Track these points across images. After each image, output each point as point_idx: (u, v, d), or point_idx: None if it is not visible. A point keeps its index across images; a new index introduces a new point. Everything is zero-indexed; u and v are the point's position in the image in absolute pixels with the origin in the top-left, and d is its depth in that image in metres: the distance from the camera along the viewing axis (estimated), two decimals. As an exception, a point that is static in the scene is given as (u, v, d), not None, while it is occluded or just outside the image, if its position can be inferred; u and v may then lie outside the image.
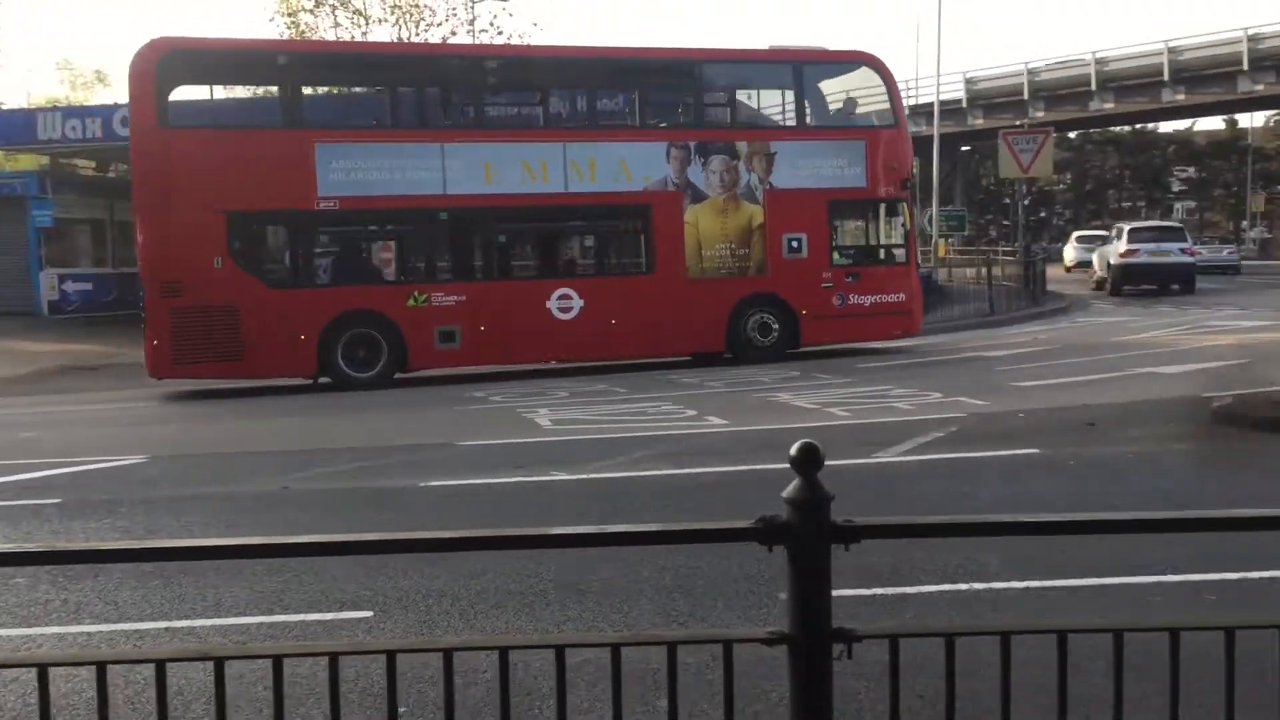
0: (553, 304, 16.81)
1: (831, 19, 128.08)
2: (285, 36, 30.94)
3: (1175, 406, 11.32)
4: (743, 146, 17.61)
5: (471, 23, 33.17)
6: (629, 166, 17.07)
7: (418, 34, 32.45)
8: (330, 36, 31.82)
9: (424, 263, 17.16)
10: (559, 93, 18.24)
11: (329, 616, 5.58)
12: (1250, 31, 41.05)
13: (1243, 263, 45.93)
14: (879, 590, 5.67)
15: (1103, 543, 6.25)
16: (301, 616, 5.58)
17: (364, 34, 32.26)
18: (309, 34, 31.89)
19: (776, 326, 17.71)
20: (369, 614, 5.59)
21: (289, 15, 32.53)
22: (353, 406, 14.43)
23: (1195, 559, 5.92)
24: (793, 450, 2.50)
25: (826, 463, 8.30)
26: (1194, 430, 10.11)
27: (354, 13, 32.64)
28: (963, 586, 5.81)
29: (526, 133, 17.62)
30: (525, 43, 30.15)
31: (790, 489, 2.49)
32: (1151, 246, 31.35)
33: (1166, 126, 68.75)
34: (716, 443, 10.34)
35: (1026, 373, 14.79)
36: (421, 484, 8.80)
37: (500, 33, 33.07)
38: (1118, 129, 66.04)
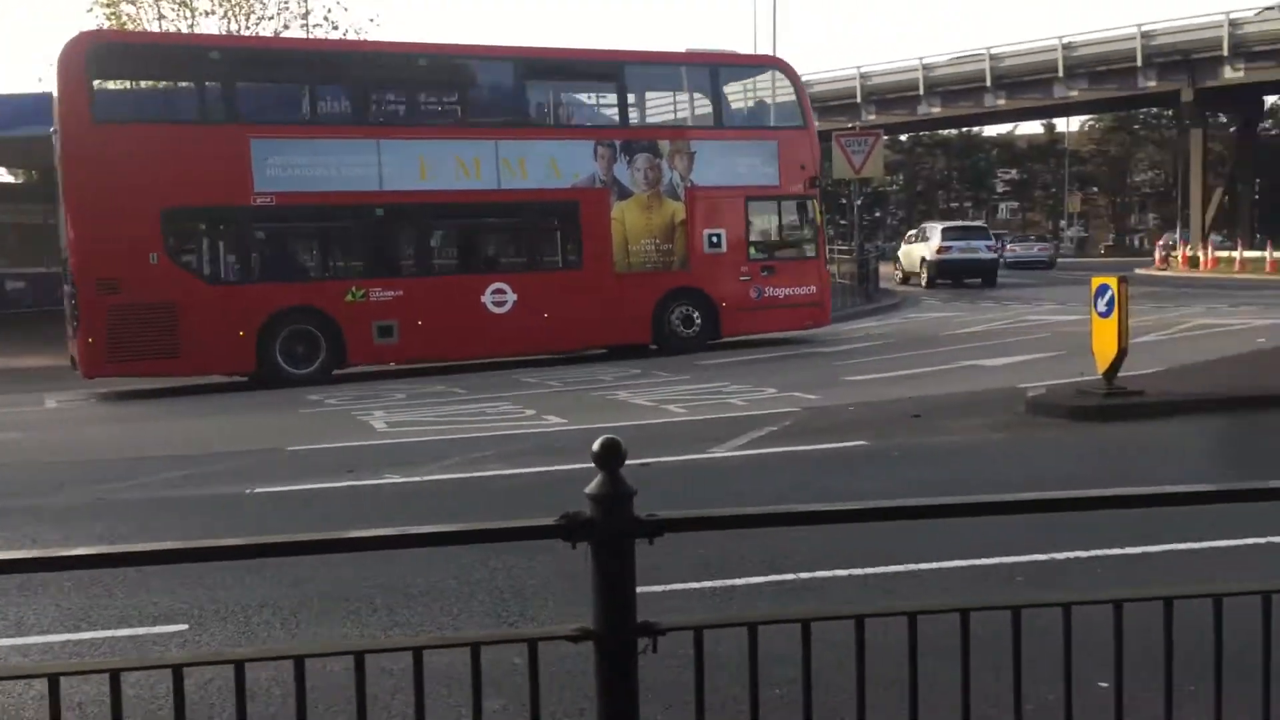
0: (487, 299, 17.12)
1: (668, 20, 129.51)
2: (106, 27, 29.59)
3: (995, 397, 11.80)
4: (665, 145, 18.37)
5: (305, 16, 32.35)
6: (558, 164, 17.51)
7: (248, 27, 31.46)
8: (154, 28, 30.57)
9: (362, 258, 17.07)
10: (491, 91, 18.57)
11: (140, 631, 5.34)
12: (1065, 40, 43.19)
13: (1058, 259, 48.68)
14: (707, 584, 5.75)
15: (922, 529, 6.47)
16: (111, 633, 5.34)
17: (191, 26, 31.09)
18: (130, 25, 30.57)
19: (699, 318, 18.45)
20: (184, 627, 5.38)
21: (108, 6, 31.11)
22: (187, 412, 13.92)
23: (1008, 543, 6.17)
24: (595, 446, 2.50)
25: (661, 459, 8.36)
26: (1010, 420, 10.56)
27: (179, 4, 31.43)
28: (789, 576, 5.92)
29: (460, 130, 17.75)
30: (366, 38, 29.57)
31: (593, 485, 2.50)
32: (961, 244, 34.63)
33: (991, 130, 71.83)
34: (553, 442, 10.32)
35: (858, 367, 15.22)
36: (249, 490, 8.53)
37: (335, 27, 32.34)
38: (945, 132, 68.68)
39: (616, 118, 18.70)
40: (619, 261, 17.87)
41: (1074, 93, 44.03)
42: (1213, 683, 2.60)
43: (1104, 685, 3.50)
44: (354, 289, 16.35)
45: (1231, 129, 53.22)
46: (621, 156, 17.88)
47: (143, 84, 18.15)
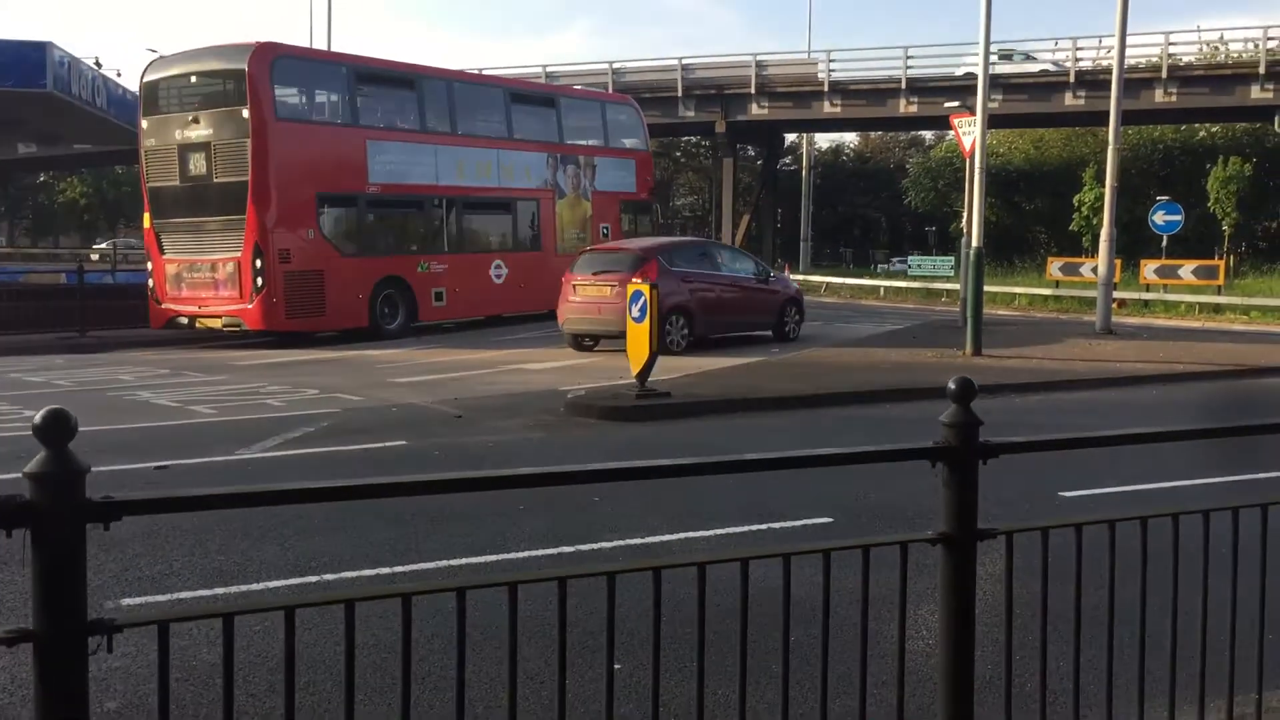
0: (492, 271, 22.78)
1: (220, 11, 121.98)
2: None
3: (536, 399, 12.07)
4: (582, 159, 24.95)
5: None
6: (529, 170, 23.69)
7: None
8: None
9: (425, 238, 21.86)
10: (491, 110, 23.71)
11: None
12: (615, 65, 45.55)
13: None
14: (220, 590, 5.35)
15: (442, 530, 6.44)
16: None
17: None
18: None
19: None
20: None
21: None
22: None
23: (548, 536, 6.29)
24: (36, 418, 2.18)
25: (183, 462, 7.68)
26: (549, 420, 10.82)
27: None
28: (313, 579, 5.66)
29: (476, 140, 22.80)
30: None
31: (34, 462, 2.17)
32: None
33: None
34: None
35: (404, 370, 15.05)
36: None
37: None
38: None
39: (557, 137, 24.53)
40: (559, 246, 23.71)
41: (691, 113, 46.24)
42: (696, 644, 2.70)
43: (618, 667, 3.61)
44: (422, 262, 21.24)
45: (759, 161, 58.47)
46: (560, 166, 24.31)
47: (301, 89, 21.13)
